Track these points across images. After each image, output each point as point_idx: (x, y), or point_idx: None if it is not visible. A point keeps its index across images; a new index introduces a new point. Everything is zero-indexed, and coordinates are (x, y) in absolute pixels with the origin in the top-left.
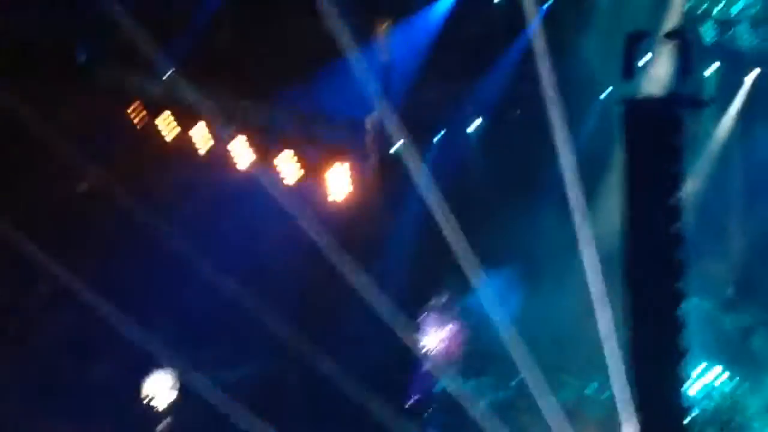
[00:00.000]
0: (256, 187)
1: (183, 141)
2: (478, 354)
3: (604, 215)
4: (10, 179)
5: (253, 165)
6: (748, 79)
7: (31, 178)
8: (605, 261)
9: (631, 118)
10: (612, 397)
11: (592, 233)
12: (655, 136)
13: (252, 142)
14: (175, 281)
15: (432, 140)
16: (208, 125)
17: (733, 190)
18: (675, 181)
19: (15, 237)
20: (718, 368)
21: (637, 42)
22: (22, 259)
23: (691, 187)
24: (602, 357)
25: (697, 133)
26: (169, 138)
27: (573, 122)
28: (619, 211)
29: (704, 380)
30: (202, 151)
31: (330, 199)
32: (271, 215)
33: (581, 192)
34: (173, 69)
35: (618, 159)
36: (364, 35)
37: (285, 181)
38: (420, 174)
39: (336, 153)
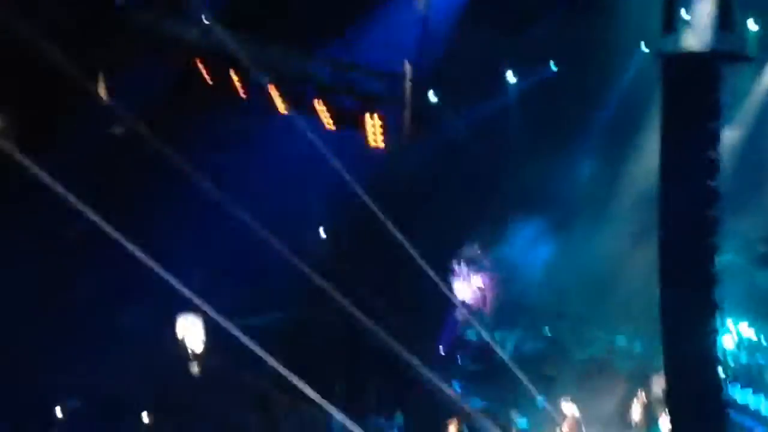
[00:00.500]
0: (293, 133)
1: (221, 86)
2: (509, 304)
3: (641, 169)
4: (44, 120)
5: (289, 111)
6: None
7: (64, 119)
8: (638, 216)
9: (669, 72)
10: (642, 350)
11: (628, 186)
12: (694, 91)
13: (289, 89)
14: (207, 227)
15: (468, 91)
16: (246, 72)
17: None
18: (712, 136)
19: (46, 180)
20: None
21: None
22: (53, 204)
23: (728, 142)
24: (632, 310)
25: (736, 87)
26: (207, 82)
27: (612, 76)
28: (655, 165)
29: (735, 335)
30: (240, 96)
31: (367, 146)
32: (307, 161)
33: (618, 145)
34: (210, 15)
35: (656, 113)
36: None
37: (321, 128)
38: (455, 124)
39: (372, 102)
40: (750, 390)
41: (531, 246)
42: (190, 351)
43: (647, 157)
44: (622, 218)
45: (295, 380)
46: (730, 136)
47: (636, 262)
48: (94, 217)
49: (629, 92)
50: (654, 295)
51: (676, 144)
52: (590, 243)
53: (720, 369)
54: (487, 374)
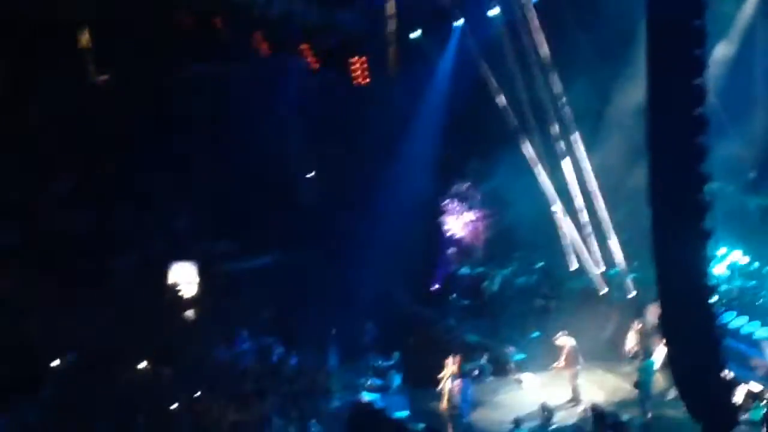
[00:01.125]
0: (278, 76)
1: (204, 31)
2: (501, 239)
3: (628, 98)
4: (26, 71)
5: (273, 53)
6: None
7: (51, 71)
8: (627, 145)
9: (653, 4)
10: (637, 280)
11: (616, 117)
12: (678, 18)
13: (273, 31)
14: (196, 175)
15: (452, 26)
16: (229, 15)
17: (756, 73)
18: (698, 63)
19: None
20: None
21: None
22: (42, 155)
23: (713, 70)
24: (623, 243)
25: (721, 14)
26: (190, 27)
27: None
28: (642, 93)
29: (728, 261)
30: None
31: (352, 84)
32: (293, 101)
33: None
34: None
35: (643, 40)
36: None
37: (308, 68)
38: (441, 59)
39: (357, 40)
40: (745, 316)
41: (520, 182)
42: (183, 297)
43: (635, 89)
44: (612, 147)
45: (291, 324)
46: (715, 62)
47: (626, 195)
48: (81, 168)
49: (617, 18)
50: (646, 226)
51: (662, 71)
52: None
53: (714, 296)
54: (481, 309)
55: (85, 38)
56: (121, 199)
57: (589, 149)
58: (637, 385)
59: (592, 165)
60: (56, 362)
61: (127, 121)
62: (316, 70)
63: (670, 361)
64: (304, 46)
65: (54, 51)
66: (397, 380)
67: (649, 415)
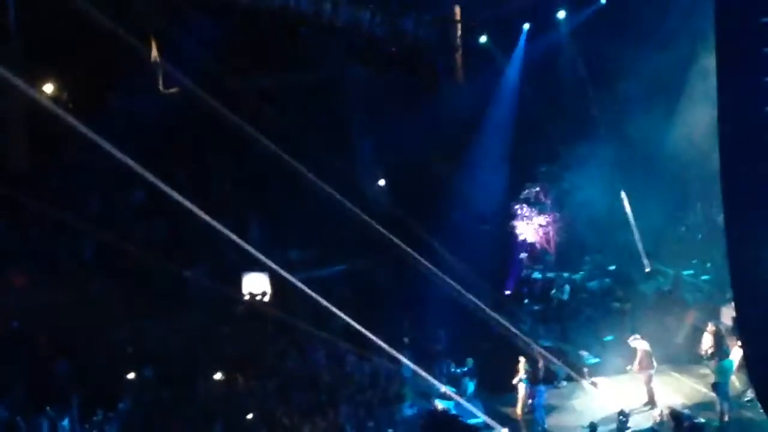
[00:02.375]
0: (349, 84)
1: (275, 42)
2: (573, 242)
3: (698, 107)
4: (97, 84)
5: (344, 61)
6: None
7: (118, 83)
8: (699, 150)
9: (721, 3)
10: (710, 282)
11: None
12: (747, 15)
13: (341, 39)
14: (267, 184)
15: (521, 30)
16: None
17: None
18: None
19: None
20: None
21: None
22: (115, 169)
23: None
24: (697, 245)
25: None
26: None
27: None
28: (713, 100)
29: None
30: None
31: (420, 91)
32: (363, 112)
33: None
34: None
35: (712, 42)
36: None
37: (376, 75)
38: (507, 64)
39: (424, 46)
40: None
41: (591, 185)
42: (256, 306)
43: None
44: (682, 150)
45: (365, 331)
46: None
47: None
48: (154, 179)
49: (681, 24)
50: (718, 228)
51: (732, 70)
52: (650, 176)
53: None
54: (554, 313)
55: (155, 51)
56: (194, 209)
57: (658, 152)
58: (713, 387)
59: (662, 166)
60: (132, 375)
61: (199, 132)
62: (384, 78)
63: (747, 363)
64: (372, 54)
65: (124, 63)
66: (470, 387)
67: (726, 417)
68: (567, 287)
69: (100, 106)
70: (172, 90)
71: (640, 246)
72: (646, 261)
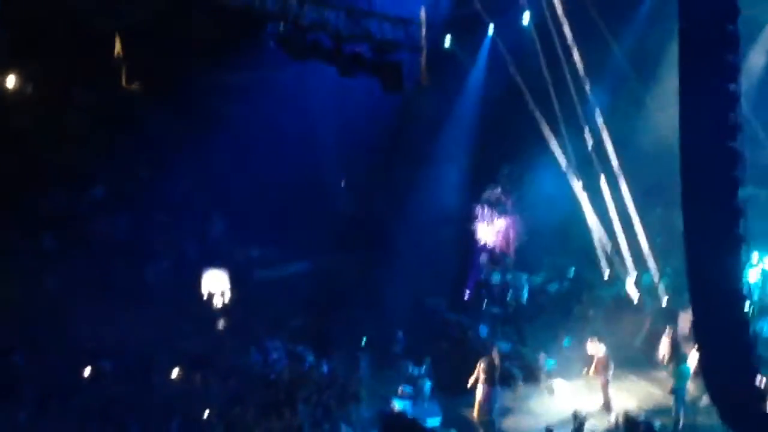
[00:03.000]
0: (310, 82)
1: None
2: (531, 246)
3: (661, 107)
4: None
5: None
6: None
7: (83, 77)
8: (660, 153)
9: (686, 6)
10: (668, 287)
11: (647, 127)
12: (712, 23)
13: (305, 37)
14: (229, 181)
15: (486, 33)
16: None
17: None
18: (732, 69)
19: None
20: None
21: None
22: (78, 163)
23: (744, 77)
24: (656, 250)
25: (753, 18)
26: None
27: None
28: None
29: (761, 267)
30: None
31: (384, 92)
32: (325, 111)
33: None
34: None
35: (674, 49)
36: None
37: (340, 76)
38: (472, 65)
39: (389, 48)
40: None
41: (552, 188)
42: (216, 303)
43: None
44: (644, 154)
45: (322, 331)
46: (747, 69)
47: (659, 201)
48: (116, 173)
49: (646, 27)
50: (678, 231)
51: (696, 77)
52: (613, 181)
53: (747, 303)
54: (513, 316)
55: (118, 46)
56: (155, 205)
57: (620, 155)
58: (670, 392)
59: (623, 170)
60: (89, 369)
61: (161, 128)
62: (348, 78)
63: (703, 368)
64: (337, 54)
65: (88, 59)
66: (428, 388)
67: (682, 422)
68: (525, 290)
69: (63, 100)
70: (135, 85)
71: (599, 251)
72: (604, 264)
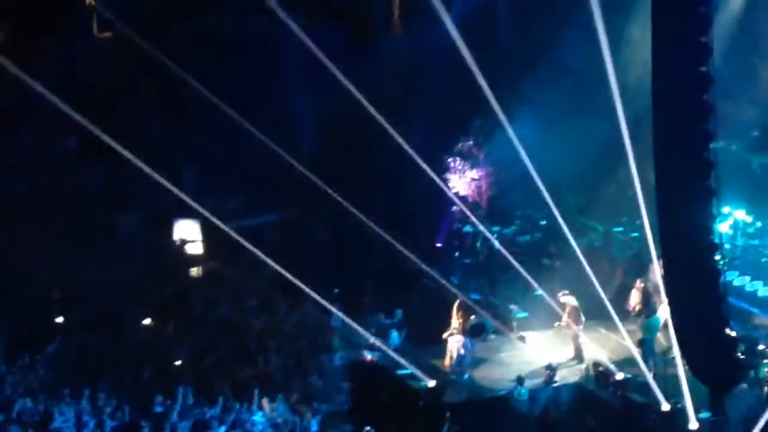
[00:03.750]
0: (280, 29)
1: None
2: (504, 197)
3: (635, 56)
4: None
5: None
6: None
7: (54, 27)
8: (635, 107)
9: None
10: (639, 238)
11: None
12: None
13: None
14: (201, 131)
15: None
16: None
17: (760, 32)
18: (703, 21)
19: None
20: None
21: None
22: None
23: (717, 30)
24: (627, 201)
25: None
26: None
27: None
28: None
29: (731, 220)
30: None
31: (355, 41)
32: (294, 59)
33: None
34: None
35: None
36: None
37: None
38: (446, 15)
39: None
40: (748, 275)
41: (523, 138)
42: (188, 254)
43: (638, 45)
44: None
45: (295, 281)
46: (719, 21)
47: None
48: (86, 123)
49: None
50: (650, 183)
51: (667, 28)
52: (584, 133)
53: (717, 255)
54: (484, 267)
55: None
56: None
57: (597, 107)
58: (640, 343)
59: (598, 121)
60: (61, 318)
61: (132, 77)
62: (319, 26)
63: (673, 320)
64: (307, 4)
65: (57, 8)
66: (399, 338)
67: (652, 373)
68: (497, 241)
69: (34, 48)
70: (106, 34)
71: (571, 202)
72: (576, 216)
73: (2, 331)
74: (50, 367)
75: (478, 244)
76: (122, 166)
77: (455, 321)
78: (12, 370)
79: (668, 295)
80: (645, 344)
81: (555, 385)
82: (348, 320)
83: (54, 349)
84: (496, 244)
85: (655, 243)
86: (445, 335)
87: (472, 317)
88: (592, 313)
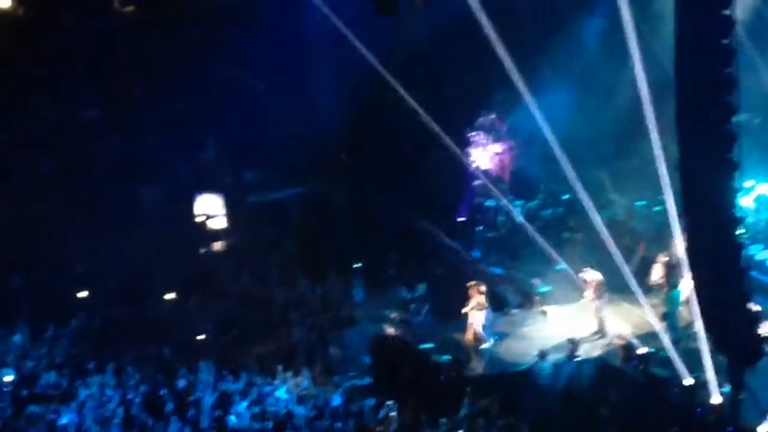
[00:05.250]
0: (301, 6)
1: None
2: (527, 171)
3: (657, 29)
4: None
5: None
6: None
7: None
8: (658, 79)
9: None
10: (662, 212)
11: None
12: None
13: None
14: (222, 104)
15: None
16: None
17: None
18: None
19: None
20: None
21: None
22: (70, 85)
23: (740, 2)
24: (650, 175)
25: None
26: None
27: None
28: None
29: (755, 194)
30: None
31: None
32: (318, 33)
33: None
34: None
35: None
36: None
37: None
38: None
39: None
40: None
41: (547, 111)
42: (210, 228)
43: (661, 18)
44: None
45: (317, 255)
46: None
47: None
48: (109, 96)
49: None
50: (673, 158)
51: (689, 2)
52: (606, 107)
53: (740, 228)
54: (506, 241)
55: None
56: (148, 127)
57: (619, 80)
58: (662, 317)
59: (620, 94)
60: (84, 293)
61: (154, 49)
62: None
63: (696, 293)
64: None
65: None
66: (422, 312)
67: (674, 347)
68: (519, 215)
69: (55, 21)
70: (128, 8)
71: (595, 175)
72: (599, 189)
73: (27, 305)
74: (74, 341)
75: (500, 218)
76: (143, 139)
77: (477, 295)
78: (36, 345)
79: (691, 268)
80: (667, 318)
81: (577, 359)
82: (370, 294)
83: (78, 324)
84: (519, 217)
85: (677, 216)
86: (464, 309)
87: (493, 291)
88: (615, 287)
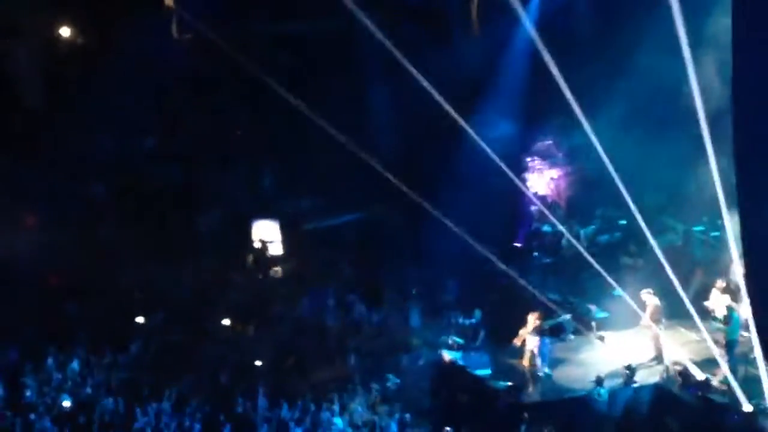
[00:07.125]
0: (359, 32)
1: None
2: (584, 197)
3: (716, 61)
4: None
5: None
6: None
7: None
8: (714, 105)
9: None
10: (720, 237)
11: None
12: None
13: None
14: (279, 132)
15: None
16: None
17: None
18: None
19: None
20: None
21: None
22: (130, 113)
23: None
24: (709, 201)
25: None
26: None
27: None
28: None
29: None
30: None
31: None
32: (373, 59)
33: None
34: None
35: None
36: None
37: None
38: (523, 14)
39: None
40: None
41: (602, 137)
42: (267, 254)
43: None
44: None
45: (374, 281)
46: None
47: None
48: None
49: None
50: (730, 183)
51: (748, 20)
52: (662, 133)
53: None
54: (563, 267)
55: None
56: (206, 155)
57: (676, 105)
58: (721, 343)
59: (678, 119)
60: (141, 319)
61: (213, 78)
62: (397, 24)
63: (755, 320)
64: (386, 3)
65: (138, 9)
66: (478, 338)
67: (733, 374)
68: (576, 241)
69: (115, 50)
70: (187, 36)
71: (651, 202)
72: (655, 216)
73: (84, 332)
74: (132, 368)
75: (563, 242)
76: (200, 166)
77: (533, 321)
78: (94, 371)
79: (749, 295)
80: (726, 345)
81: (635, 385)
82: (427, 320)
83: (136, 350)
84: (580, 244)
85: (735, 242)
86: (520, 334)
87: (551, 318)
88: (673, 313)
